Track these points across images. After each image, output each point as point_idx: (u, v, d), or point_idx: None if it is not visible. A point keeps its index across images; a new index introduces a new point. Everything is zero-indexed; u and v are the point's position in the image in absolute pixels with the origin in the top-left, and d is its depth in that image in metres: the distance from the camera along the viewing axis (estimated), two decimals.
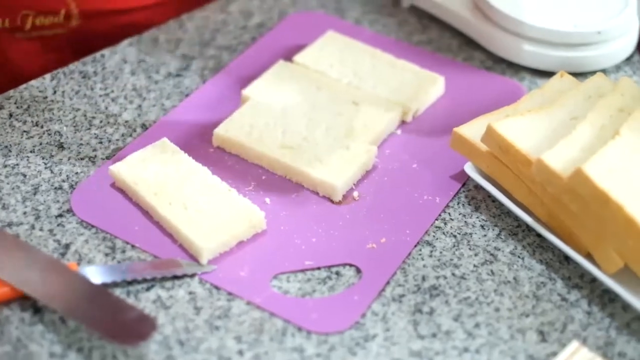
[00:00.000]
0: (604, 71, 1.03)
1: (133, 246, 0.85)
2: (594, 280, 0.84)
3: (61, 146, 0.94)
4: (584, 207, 0.81)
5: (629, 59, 1.06)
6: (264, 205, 0.89)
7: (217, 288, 0.83)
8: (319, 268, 0.85)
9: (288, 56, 1.03)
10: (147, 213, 0.88)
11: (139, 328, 0.78)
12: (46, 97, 0.99)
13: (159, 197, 0.87)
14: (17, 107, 0.98)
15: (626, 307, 0.82)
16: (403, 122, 0.98)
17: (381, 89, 0.99)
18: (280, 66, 1.01)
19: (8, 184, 0.90)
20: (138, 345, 0.77)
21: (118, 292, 0.82)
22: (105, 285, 0.82)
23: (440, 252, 0.86)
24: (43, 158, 0.93)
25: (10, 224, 0.87)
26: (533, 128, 0.87)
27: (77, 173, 0.91)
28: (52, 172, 0.92)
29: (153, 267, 0.83)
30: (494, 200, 0.91)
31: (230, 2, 1.12)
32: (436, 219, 0.89)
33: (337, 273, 0.84)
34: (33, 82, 1.00)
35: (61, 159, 0.93)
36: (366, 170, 0.92)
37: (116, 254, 0.85)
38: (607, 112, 0.88)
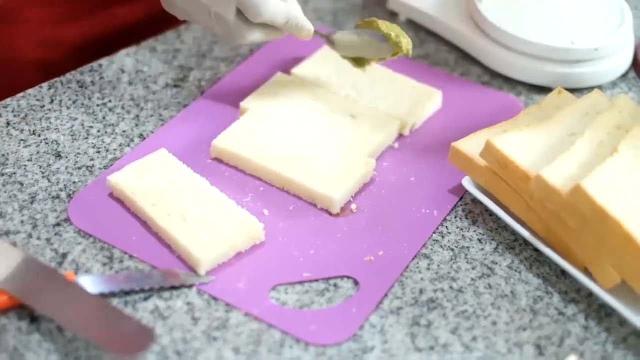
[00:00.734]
0: (600, 87, 1.04)
1: (131, 256, 0.85)
2: (590, 294, 0.85)
3: (59, 155, 0.94)
4: (583, 223, 0.81)
5: (624, 76, 1.07)
6: (263, 217, 0.89)
7: (215, 299, 0.83)
8: (317, 280, 0.85)
9: (286, 69, 1.04)
10: (145, 223, 0.88)
11: (137, 339, 0.78)
12: (44, 106, 0.99)
13: (157, 208, 0.87)
14: (15, 116, 0.97)
15: (623, 322, 0.83)
16: (401, 136, 0.98)
17: (379, 103, 0.99)
18: (279, 79, 1.01)
19: (5, 192, 0.90)
20: (136, 356, 0.77)
21: (116, 302, 0.82)
22: (103, 295, 0.82)
23: (438, 266, 0.87)
24: (40, 167, 0.92)
25: (7, 233, 0.87)
26: (532, 144, 0.88)
27: (74, 182, 0.91)
28: (49, 181, 0.91)
29: (151, 277, 0.83)
30: (492, 214, 0.91)
31: None
32: (434, 233, 0.89)
33: (335, 285, 0.84)
34: (30, 91, 1.00)
35: (59, 168, 0.93)
36: (364, 183, 0.93)
37: (114, 264, 0.85)
38: (605, 129, 0.88)
